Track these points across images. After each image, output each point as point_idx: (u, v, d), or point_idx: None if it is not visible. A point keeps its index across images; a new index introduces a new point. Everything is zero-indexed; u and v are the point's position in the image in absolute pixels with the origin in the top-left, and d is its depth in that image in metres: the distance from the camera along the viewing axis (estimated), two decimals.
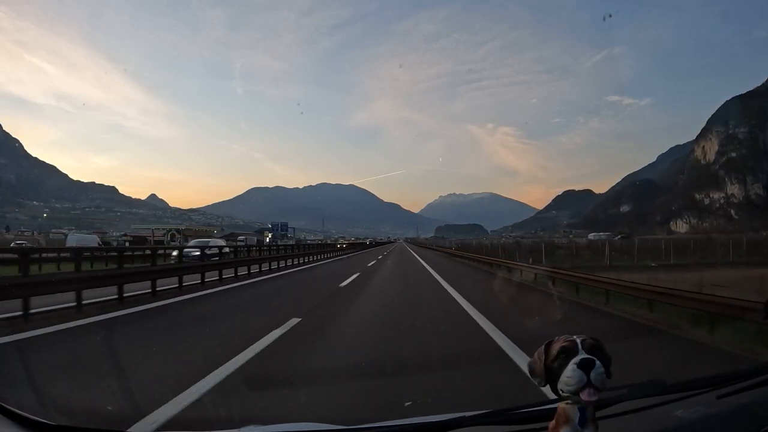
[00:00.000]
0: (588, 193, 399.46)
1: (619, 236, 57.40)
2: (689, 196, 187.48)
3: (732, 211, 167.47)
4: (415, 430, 1.11)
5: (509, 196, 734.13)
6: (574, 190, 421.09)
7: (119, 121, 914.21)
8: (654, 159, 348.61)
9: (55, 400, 2.96)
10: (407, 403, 2.98)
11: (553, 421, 0.91)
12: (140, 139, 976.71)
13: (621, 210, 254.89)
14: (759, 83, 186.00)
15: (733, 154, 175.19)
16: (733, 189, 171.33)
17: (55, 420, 1.24)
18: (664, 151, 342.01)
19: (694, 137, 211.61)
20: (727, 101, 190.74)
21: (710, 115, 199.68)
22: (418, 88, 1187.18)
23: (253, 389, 3.59)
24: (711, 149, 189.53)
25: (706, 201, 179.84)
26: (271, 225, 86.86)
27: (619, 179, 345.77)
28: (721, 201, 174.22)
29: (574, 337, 0.90)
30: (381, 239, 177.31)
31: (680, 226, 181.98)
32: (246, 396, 3.40)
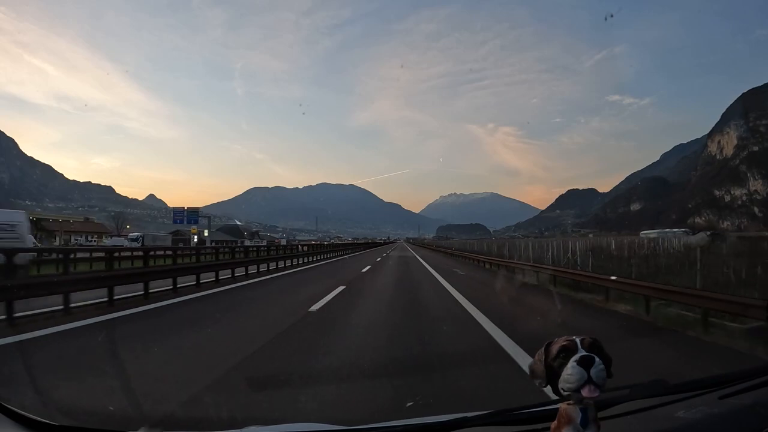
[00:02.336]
0: (592, 192, 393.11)
1: (709, 234, 45.36)
2: (707, 192, 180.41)
3: (755, 209, 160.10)
4: (417, 430, 1.10)
5: (510, 196, 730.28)
6: (577, 189, 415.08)
7: (120, 122, 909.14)
8: (658, 158, 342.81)
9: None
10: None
11: (555, 422, 0.90)
12: (141, 139, 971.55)
13: (632, 208, 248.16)
14: (761, 82, 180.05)
15: (755, 148, 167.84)
16: (756, 185, 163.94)
17: (57, 420, 1.23)
18: (667, 150, 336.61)
19: (702, 134, 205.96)
20: (744, 93, 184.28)
21: (724, 110, 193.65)
22: (419, 88, 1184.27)
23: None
24: (728, 144, 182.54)
25: (727, 198, 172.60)
26: (174, 212, 48.90)
27: (623, 178, 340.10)
28: (743, 197, 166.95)
29: (574, 336, 0.90)
30: (380, 239, 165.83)
31: (699, 225, 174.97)
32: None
